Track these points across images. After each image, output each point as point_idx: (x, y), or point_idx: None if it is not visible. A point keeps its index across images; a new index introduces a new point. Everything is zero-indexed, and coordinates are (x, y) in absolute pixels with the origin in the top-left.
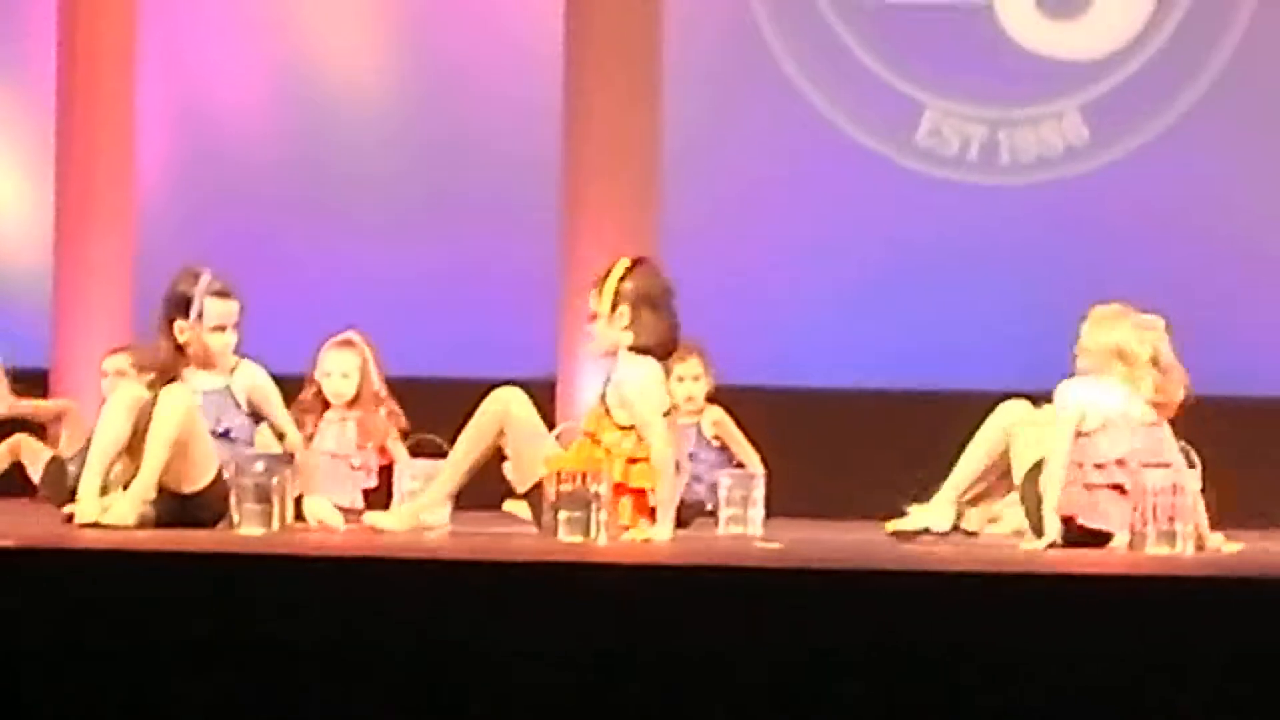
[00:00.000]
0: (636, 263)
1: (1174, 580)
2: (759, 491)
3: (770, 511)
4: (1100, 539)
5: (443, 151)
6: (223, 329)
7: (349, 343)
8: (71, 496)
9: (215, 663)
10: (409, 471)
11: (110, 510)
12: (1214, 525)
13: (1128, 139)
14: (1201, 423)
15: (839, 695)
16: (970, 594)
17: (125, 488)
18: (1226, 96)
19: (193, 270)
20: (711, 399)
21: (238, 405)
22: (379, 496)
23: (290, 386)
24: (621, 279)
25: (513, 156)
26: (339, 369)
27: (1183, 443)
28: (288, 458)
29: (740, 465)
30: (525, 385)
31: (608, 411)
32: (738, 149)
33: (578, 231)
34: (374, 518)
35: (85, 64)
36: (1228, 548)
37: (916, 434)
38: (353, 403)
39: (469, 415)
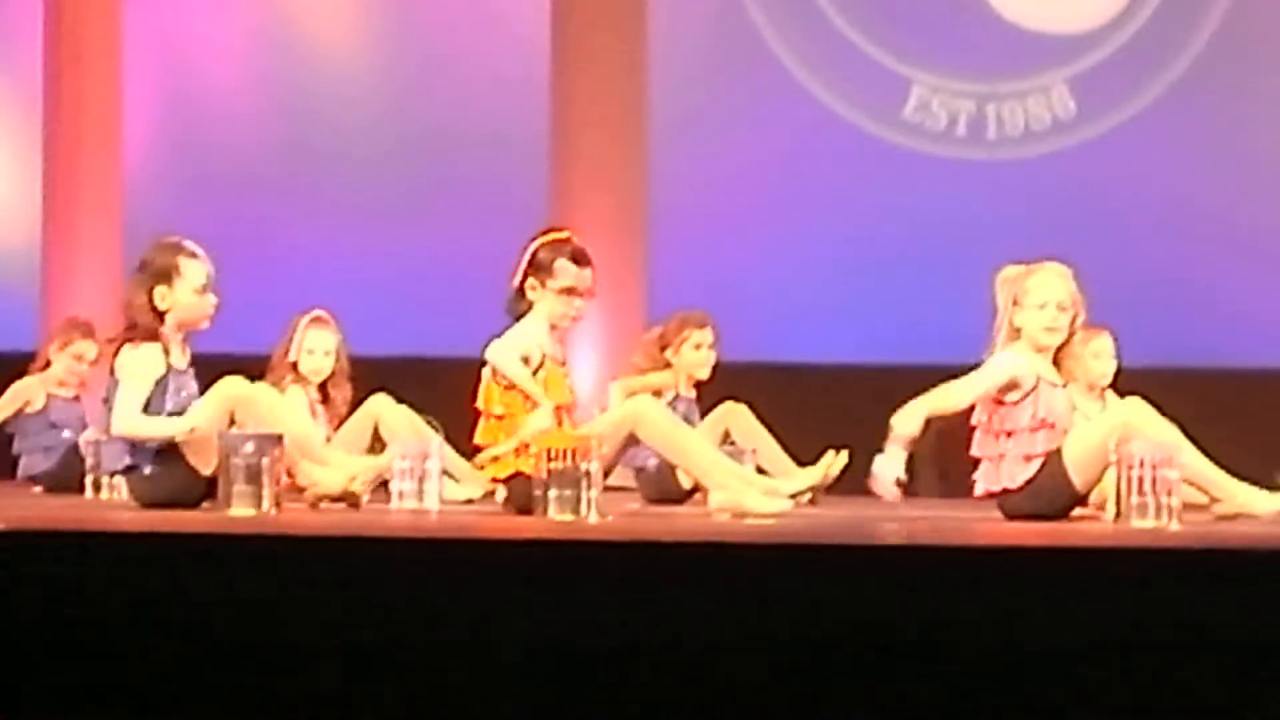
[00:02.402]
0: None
1: (1160, 553)
2: (749, 467)
3: None
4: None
5: (429, 131)
6: (204, 291)
7: (325, 320)
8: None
9: (206, 643)
10: (399, 450)
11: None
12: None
13: (1115, 112)
14: (1190, 394)
15: (831, 670)
16: (957, 568)
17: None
18: (1213, 68)
19: (166, 241)
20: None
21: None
22: None
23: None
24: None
25: (500, 136)
26: (322, 347)
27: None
28: (277, 438)
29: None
30: None
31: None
32: (725, 127)
33: (567, 210)
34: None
35: (71, 47)
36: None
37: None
38: (324, 381)
39: (453, 395)
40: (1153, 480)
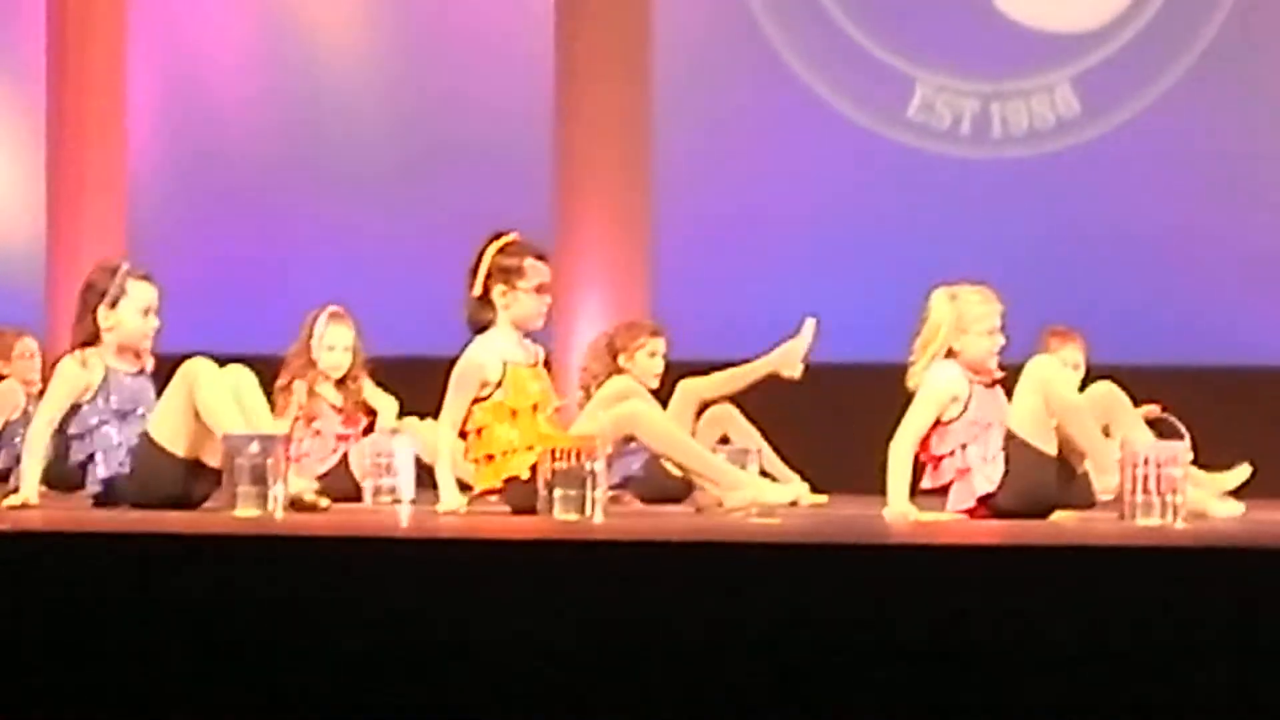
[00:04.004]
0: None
1: (1164, 550)
2: (754, 467)
3: None
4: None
5: (431, 132)
6: (147, 313)
7: (343, 316)
8: None
9: (210, 645)
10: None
11: None
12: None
13: (1119, 110)
14: (1193, 391)
15: (832, 670)
16: (957, 568)
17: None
18: (1216, 66)
19: (108, 264)
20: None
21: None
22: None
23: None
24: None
25: (503, 138)
26: (341, 342)
27: (1170, 415)
28: (283, 439)
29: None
30: None
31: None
32: (728, 127)
33: (570, 213)
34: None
35: (75, 35)
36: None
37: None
38: (343, 377)
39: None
40: (1157, 479)
